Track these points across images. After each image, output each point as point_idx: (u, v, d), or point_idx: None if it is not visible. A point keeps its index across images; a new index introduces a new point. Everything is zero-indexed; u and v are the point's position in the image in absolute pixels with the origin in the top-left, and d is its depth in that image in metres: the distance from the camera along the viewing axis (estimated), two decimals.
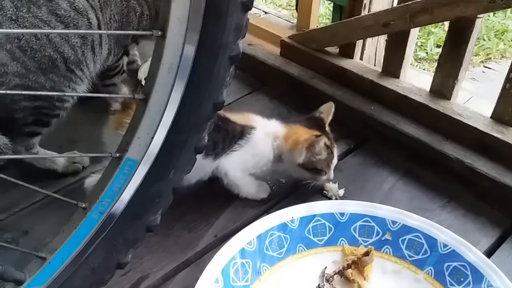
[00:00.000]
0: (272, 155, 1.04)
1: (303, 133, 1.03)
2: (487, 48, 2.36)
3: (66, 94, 1.05)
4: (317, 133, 1.02)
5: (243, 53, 0.67)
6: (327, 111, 1.09)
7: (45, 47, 0.98)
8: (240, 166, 1.03)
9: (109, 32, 1.11)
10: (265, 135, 1.03)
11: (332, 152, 1.05)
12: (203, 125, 0.71)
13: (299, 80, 1.41)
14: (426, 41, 2.39)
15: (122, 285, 0.89)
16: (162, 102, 0.65)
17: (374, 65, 1.43)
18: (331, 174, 1.07)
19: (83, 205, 0.68)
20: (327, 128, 1.08)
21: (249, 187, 1.07)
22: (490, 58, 2.32)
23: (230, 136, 1.00)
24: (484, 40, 2.40)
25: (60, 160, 1.13)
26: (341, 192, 1.09)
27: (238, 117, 1.04)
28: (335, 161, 1.06)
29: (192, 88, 0.65)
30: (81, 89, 1.09)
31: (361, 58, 1.42)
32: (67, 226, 0.69)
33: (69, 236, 0.68)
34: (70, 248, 0.69)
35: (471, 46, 1.13)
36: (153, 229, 0.75)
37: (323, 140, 1.02)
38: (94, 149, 1.07)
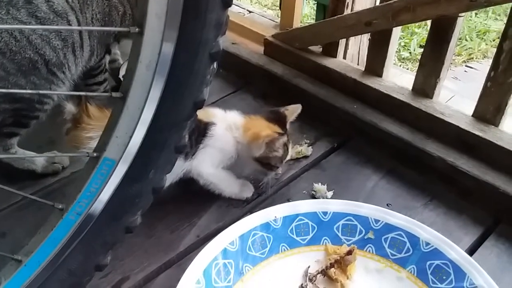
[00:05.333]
0: (235, 148, 1.03)
1: (264, 127, 1.02)
2: (469, 48, 2.38)
3: (40, 91, 1.02)
4: (278, 129, 1.02)
5: (227, 52, 0.67)
6: (293, 110, 1.08)
7: (25, 49, 0.96)
8: (209, 163, 1.02)
9: (87, 28, 1.09)
10: (226, 128, 1.02)
11: (287, 150, 1.04)
12: (183, 124, 0.69)
13: (283, 79, 1.40)
14: (409, 41, 2.40)
15: (102, 287, 0.88)
16: (141, 100, 0.63)
17: (357, 64, 1.43)
18: (280, 169, 1.08)
19: (60, 206, 0.67)
20: (287, 126, 1.07)
21: (228, 184, 1.05)
22: (472, 58, 2.34)
23: (196, 133, 0.99)
24: (466, 40, 2.43)
25: (39, 161, 1.11)
26: (330, 194, 1.08)
27: (200, 113, 1.03)
28: (288, 157, 1.07)
29: (172, 86, 0.64)
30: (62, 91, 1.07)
31: (344, 57, 1.42)
32: (44, 228, 0.68)
33: (46, 238, 0.66)
34: (47, 250, 0.67)
35: (453, 45, 1.14)
36: (132, 230, 0.74)
37: (284, 138, 1.01)
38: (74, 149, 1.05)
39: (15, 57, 0.96)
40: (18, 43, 0.96)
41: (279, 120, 1.06)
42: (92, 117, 0.92)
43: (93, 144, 0.89)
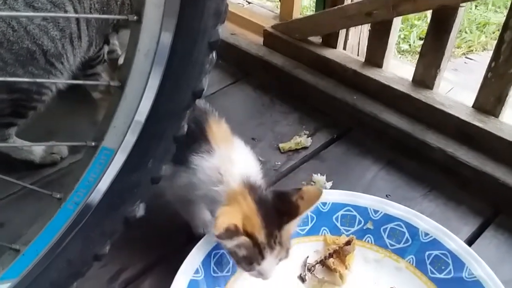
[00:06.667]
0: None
1: (235, 214, 0.74)
2: (468, 40, 2.37)
3: (38, 80, 1.01)
4: (261, 225, 0.74)
5: (226, 43, 0.66)
6: (310, 197, 0.77)
7: (23, 39, 0.96)
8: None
9: (84, 15, 1.08)
10: (216, 168, 0.79)
11: (261, 254, 0.75)
12: (182, 113, 0.69)
13: (283, 70, 1.39)
14: (409, 33, 2.39)
15: (101, 277, 0.88)
16: (139, 89, 0.63)
17: (358, 55, 1.43)
18: (265, 273, 0.77)
19: (58, 196, 0.66)
20: (293, 220, 0.77)
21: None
22: (472, 50, 2.33)
23: (190, 142, 0.79)
24: (466, 32, 2.41)
25: (37, 151, 1.10)
26: (329, 184, 1.08)
27: (217, 129, 0.83)
28: (269, 262, 0.76)
29: (170, 75, 0.63)
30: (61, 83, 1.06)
31: (344, 48, 1.41)
32: (42, 217, 0.67)
33: (44, 227, 0.66)
34: (45, 239, 0.67)
35: (454, 36, 1.13)
36: (131, 220, 0.74)
37: (237, 240, 0.72)
38: (73, 139, 1.05)
39: (13, 47, 0.95)
40: (15, 33, 0.95)
41: (283, 210, 0.77)
42: None
43: None
